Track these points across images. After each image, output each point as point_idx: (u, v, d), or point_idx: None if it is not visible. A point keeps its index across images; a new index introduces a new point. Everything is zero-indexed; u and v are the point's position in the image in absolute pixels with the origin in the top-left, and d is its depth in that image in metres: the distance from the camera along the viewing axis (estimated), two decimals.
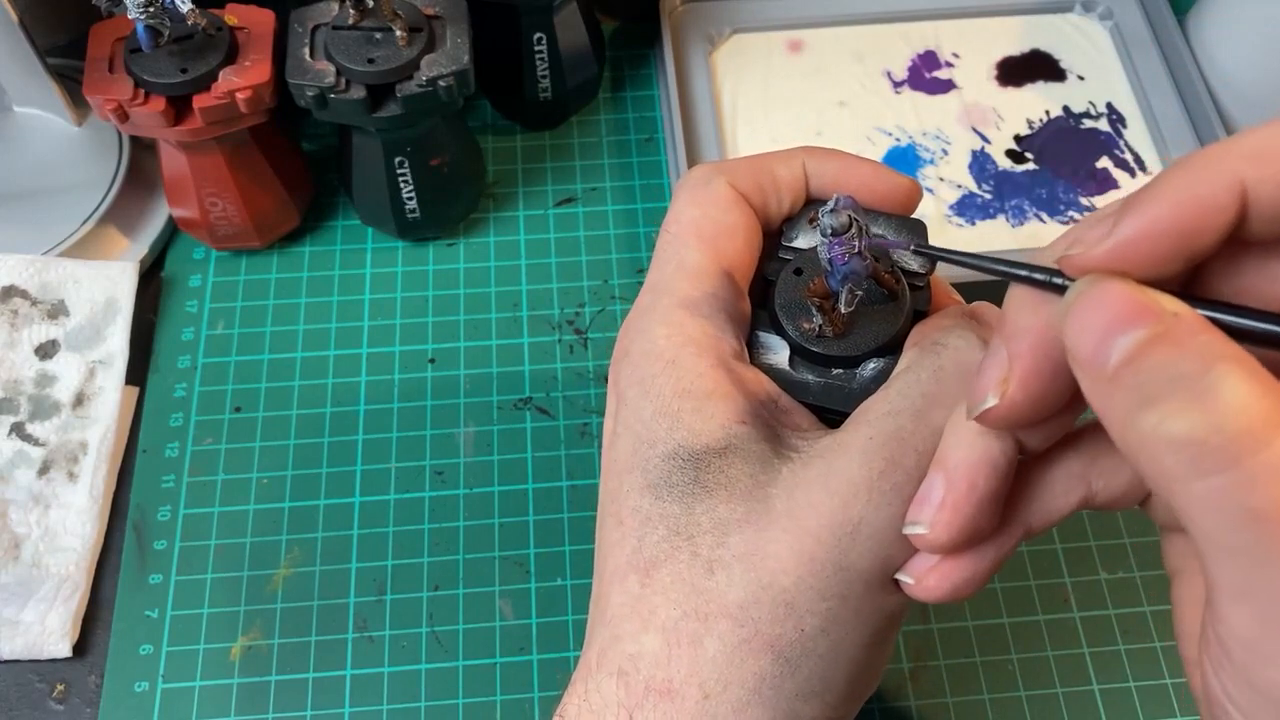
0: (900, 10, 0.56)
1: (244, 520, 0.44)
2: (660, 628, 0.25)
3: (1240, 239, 0.20)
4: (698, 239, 0.28)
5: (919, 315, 0.28)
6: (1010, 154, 0.52)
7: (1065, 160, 0.51)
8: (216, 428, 0.46)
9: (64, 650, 0.41)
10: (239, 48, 0.43)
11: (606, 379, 0.47)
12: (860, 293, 0.27)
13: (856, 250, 0.25)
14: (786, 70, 0.54)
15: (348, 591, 0.42)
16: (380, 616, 0.42)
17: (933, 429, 0.24)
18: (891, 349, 0.27)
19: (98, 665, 0.41)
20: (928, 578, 0.25)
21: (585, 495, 0.44)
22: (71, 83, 0.49)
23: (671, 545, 0.25)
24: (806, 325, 0.28)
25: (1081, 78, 0.54)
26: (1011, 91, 0.54)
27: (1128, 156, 0.51)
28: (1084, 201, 0.50)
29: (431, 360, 0.48)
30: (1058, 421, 0.24)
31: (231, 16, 0.43)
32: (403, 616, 0.42)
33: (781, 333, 0.28)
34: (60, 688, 0.41)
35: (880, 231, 0.28)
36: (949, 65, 0.54)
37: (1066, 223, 0.49)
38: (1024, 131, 0.52)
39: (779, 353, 0.28)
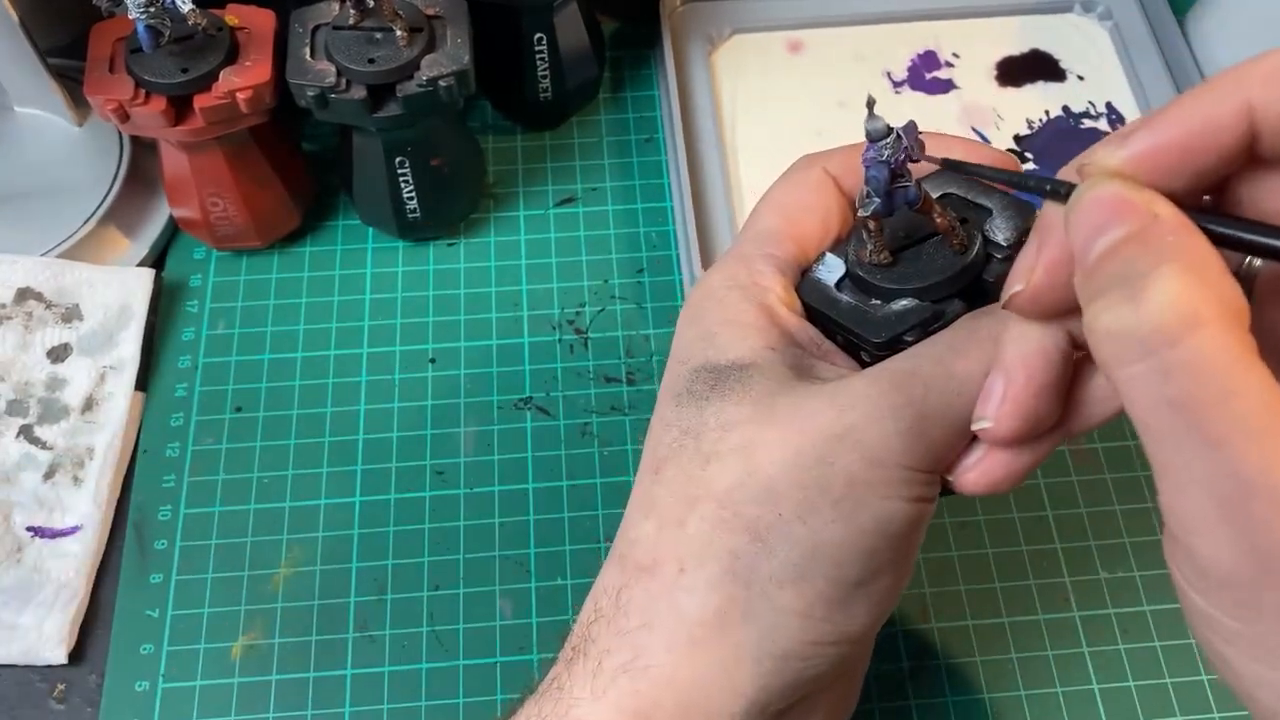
0: (900, 10, 0.56)
1: (244, 520, 0.44)
2: (657, 515, 0.27)
3: (1260, 158, 0.21)
4: (773, 210, 0.31)
5: (982, 285, 0.28)
6: (1010, 154, 0.52)
7: (1065, 160, 0.50)
8: (217, 428, 0.46)
9: (59, 657, 0.40)
10: (239, 48, 0.43)
11: (607, 378, 0.47)
12: (879, 209, 0.27)
13: (884, 159, 0.26)
14: (786, 70, 0.54)
15: (348, 591, 0.42)
16: (380, 616, 0.42)
17: (949, 373, 0.25)
18: (931, 295, 0.27)
19: (98, 665, 0.41)
20: (968, 473, 0.27)
21: (585, 494, 0.44)
22: (72, 83, 0.49)
23: (679, 444, 0.27)
24: (861, 252, 0.29)
25: (1081, 78, 0.54)
26: (1011, 91, 0.54)
27: None
28: None
29: (432, 360, 0.48)
30: None
31: (232, 16, 0.43)
32: (403, 616, 0.42)
33: (844, 255, 0.29)
34: (61, 687, 0.41)
35: (986, 204, 0.28)
36: (949, 65, 0.54)
37: None
38: (1024, 131, 0.52)
39: (833, 271, 0.29)
